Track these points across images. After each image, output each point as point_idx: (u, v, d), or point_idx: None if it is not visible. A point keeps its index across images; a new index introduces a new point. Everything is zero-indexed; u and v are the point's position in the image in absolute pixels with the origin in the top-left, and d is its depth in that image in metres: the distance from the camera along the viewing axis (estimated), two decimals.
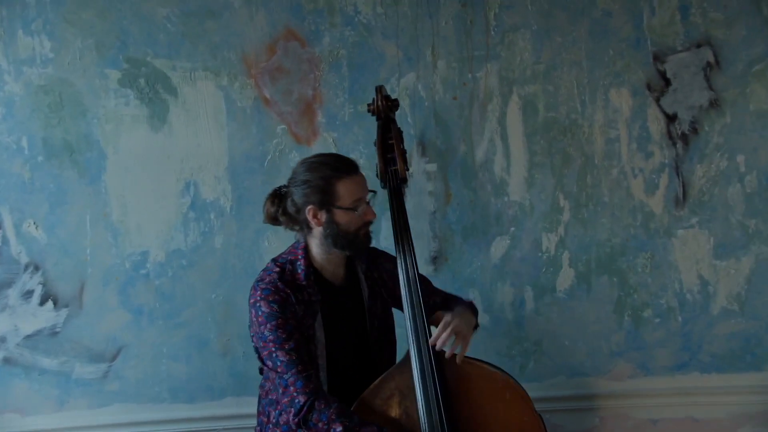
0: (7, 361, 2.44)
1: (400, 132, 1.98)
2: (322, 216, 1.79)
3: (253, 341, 1.85)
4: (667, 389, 2.48)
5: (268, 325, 1.75)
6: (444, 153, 2.44)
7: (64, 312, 2.45)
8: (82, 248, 2.45)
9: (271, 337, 1.75)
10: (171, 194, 2.44)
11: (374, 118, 1.98)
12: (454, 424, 1.76)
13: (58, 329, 2.45)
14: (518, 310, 2.47)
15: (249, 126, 2.43)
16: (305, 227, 1.84)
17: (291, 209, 1.82)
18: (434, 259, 2.47)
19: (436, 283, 2.05)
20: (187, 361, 2.47)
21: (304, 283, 1.81)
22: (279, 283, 1.78)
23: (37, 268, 2.44)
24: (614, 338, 2.49)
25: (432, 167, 2.45)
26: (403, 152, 1.94)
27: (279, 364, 1.75)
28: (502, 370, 1.88)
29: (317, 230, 1.82)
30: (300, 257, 1.84)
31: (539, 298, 2.47)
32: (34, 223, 2.43)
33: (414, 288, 1.82)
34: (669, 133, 2.43)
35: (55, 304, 2.45)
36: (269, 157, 2.44)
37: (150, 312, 2.46)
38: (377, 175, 1.92)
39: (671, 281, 2.46)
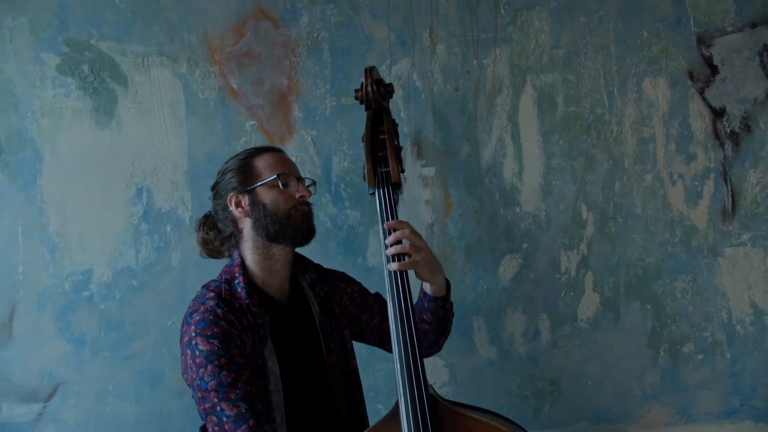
0: None
1: (394, 125, 1.71)
2: (245, 201, 1.61)
3: (191, 390, 1.55)
4: None
5: (209, 368, 1.46)
6: (444, 154, 2.16)
7: None
8: (13, 266, 2.15)
9: (212, 384, 1.46)
10: (119, 202, 2.16)
11: (363, 108, 1.71)
12: None
13: None
14: (532, 342, 2.19)
15: (212, 121, 2.15)
16: (235, 232, 1.64)
17: (218, 214, 1.66)
18: None
19: None
20: (137, 400, 2.19)
21: (246, 302, 1.57)
22: (218, 310, 1.52)
23: None
24: (648, 378, 2.18)
25: (429, 171, 2.17)
26: (398, 150, 1.67)
27: (225, 420, 1.45)
28: (512, 422, 1.57)
29: (247, 227, 1.62)
30: (237, 274, 1.61)
31: (557, 328, 2.19)
32: None
33: (407, 321, 1.50)
34: (715, 131, 2.12)
35: None
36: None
37: (93, 342, 2.17)
38: (363, 178, 1.64)
39: (717, 310, 2.15)
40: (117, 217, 2.16)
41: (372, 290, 1.84)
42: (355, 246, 2.16)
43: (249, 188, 1.60)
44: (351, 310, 1.76)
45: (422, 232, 2.15)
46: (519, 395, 2.18)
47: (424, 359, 1.52)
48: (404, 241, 1.57)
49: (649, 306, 2.16)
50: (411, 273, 1.58)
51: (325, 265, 1.84)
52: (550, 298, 2.17)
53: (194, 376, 1.49)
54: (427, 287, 1.66)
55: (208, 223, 1.69)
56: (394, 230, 1.56)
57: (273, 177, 1.59)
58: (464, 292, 2.17)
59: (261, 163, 1.62)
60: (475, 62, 2.14)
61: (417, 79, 2.15)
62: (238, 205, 1.61)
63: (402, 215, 2.16)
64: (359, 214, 2.15)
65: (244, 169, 1.61)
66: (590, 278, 2.16)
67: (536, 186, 2.16)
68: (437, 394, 1.53)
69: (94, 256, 2.16)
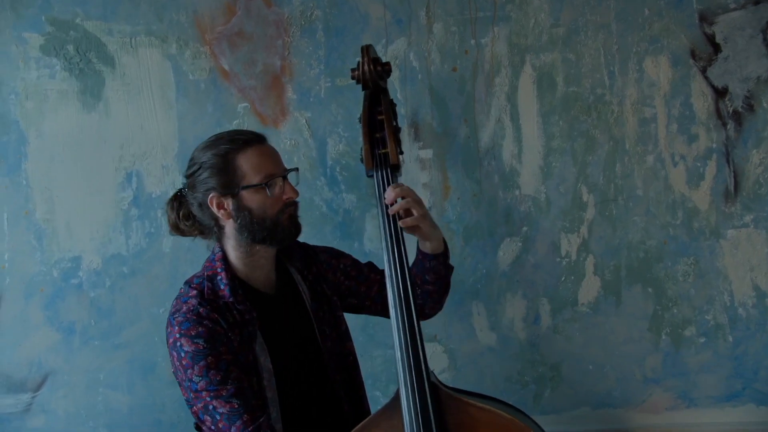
0: None
1: (392, 105, 1.65)
2: (228, 204, 1.50)
3: (181, 391, 1.51)
4: (715, 424, 2.13)
5: (196, 368, 1.42)
6: (441, 136, 2.11)
7: None
8: None
9: (202, 384, 1.41)
10: (108, 187, 2.11)
11: (359, 89, 1.64)
12: None
13: None
14: (532, 327, 2.15)
15: (203, 103, 2.09)
16: (215, 228, 1.55)
17: (194, 207, 1.55)
18: None
19: None
20: (129, 389, 2.15)
21: (231, 300, 1.49)
22: (201, 309, 1.46)
23: None
24: (649, 362, 2.14)
25: (427, 154, 2.12)
26: (396, 131, 1.60)
27: (219, 417, 1.41)
28: (519, 411, 1.54)
29: (229, 227, 1.53)
30: (219, 270, 1.53)
31: (557, 312, 2.14)
32: None
33: (406, 307, 1.46)
34: (718, 111, 2.06)
35: None
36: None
37: (83, 330, 2.13)
38: (361, 160, 1.59)
39: (719, 293, 2.10)
40: (106, 202, 2.10)
41: None
42: (352, 230, 2.11)
43: (232, 191, 1.49)
44: (347, 284, 1.70)
45: None
46: (519, 381, 2.15)
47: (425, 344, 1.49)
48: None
49: (650, 289, 2.12)
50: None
51: None
52: (551, 282, 2.13)
53: (183, 377, 1.45)
54: (426, 246, 1.59)
55: (182, 209, 1.57)
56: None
57: (260, 184, 1.48)
58: (463, 277, 2.11)
59: (245, 163, 1.48)
60: (472, 42, 2.08)
61: (413, 59, 2.08)
62: (220, 206, 1.50)
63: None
64: (355, 198, 2.10)
65: (225, 170, 1.48)
66: (591, 261, 2.12)
67: (536, 168, 2.11)
68: (439, 381, 1.50)
69: (83, 242, 2.11)
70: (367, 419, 1.46)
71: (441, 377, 2.09)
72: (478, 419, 1.43)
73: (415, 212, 1.51)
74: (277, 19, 2.06)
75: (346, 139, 2.08)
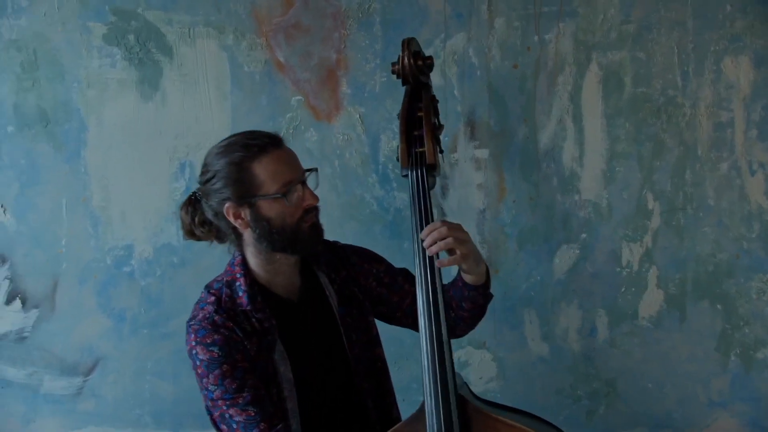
0: None
1: (434, 101, 1.59)
2: (246, 214, 1.43)
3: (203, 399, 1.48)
4: None
5: (211, 377, 1.39)
6: (499, 136, 2.04)
7: (33, 313, 2.16)
8: (57, 238, 2.14)
9: (218, 393, 1.39)
10: (162, 177, 2.11)
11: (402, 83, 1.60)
12: None
13: (26, 334, 2.17)
14: (587, 339, 2.07)
15: (258, 96, 2.07)
16: (233, 235, 1.49)
17: (209, 214, 1.49)
18: None
19: None
20: (175, 379, 2.15)
21: (249, 308, 1.44)
22: (216, 317, 1.42)
23: (3, 260, 2.14)
24: (716, 384, 2.03)
25: (483, 153, 2.05)
26: (435, 129, 1.54)
27: (235, 426, 1.38)
28: (555, 427, 1.45)
29: (248, 235, 1.47)
30: (238, 275, 1.48)
31: (615, 325, 2.06)
32: (2, 206, 2.13)
33: (435, 318, 1.38)
34: None
35: (23, 303, 2.16)
36: (281, 135, 2.04)
37: (133, 318, 2.15)
38: (397, 159, 1.54)
39: None
40: (159, 192, 2.11)
41: None
42: (402, 230, 2.05)
43: (249, 201, 1.42)
44: (379, 291, 1.61)
45: (473, 217, 2.06)
46: (571, 395, 2.07)
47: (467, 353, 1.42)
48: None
49: (719, 306, 1.99)
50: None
51: (371, 249, 1.71)
52: (609, 293, 2.04)
53: (201, 386, 1.42)
54: (467, 277, 1.51)
55: (197, 215, 1.50)
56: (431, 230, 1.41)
57: (278, 195, 1.40)
58: (516, 283, 2.05)
59: (261, 171, 1.40)
60: (536, 38, 1.99)
61: (473, 55, 2.01)
62: (237, 216, 1.43)
63: (452, 199, 2.06)
64: (407, 197, 1.99)
65: (241, 179, 1.40)
66: (654, 273, 2.02)
67: (598, 172, 2.01)
68: (470, 393, 1.44)
69: (136, 231, 2.13)
70: (390, 429, 1.41)
71: (487, 387, 2.07)
72: None
73: (458, 252, 1.40)
74: (335, 11, 2.03)
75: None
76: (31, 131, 2.10)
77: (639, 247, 2.02)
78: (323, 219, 1.53)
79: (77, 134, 2.10)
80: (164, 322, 2.14)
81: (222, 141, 1.49)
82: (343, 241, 1.69)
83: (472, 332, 1.69)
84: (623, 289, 2.04)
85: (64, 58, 2.07)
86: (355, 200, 2.06)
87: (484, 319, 1.66)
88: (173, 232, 2.11)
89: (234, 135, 1.49)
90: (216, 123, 2.07)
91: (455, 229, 1.39)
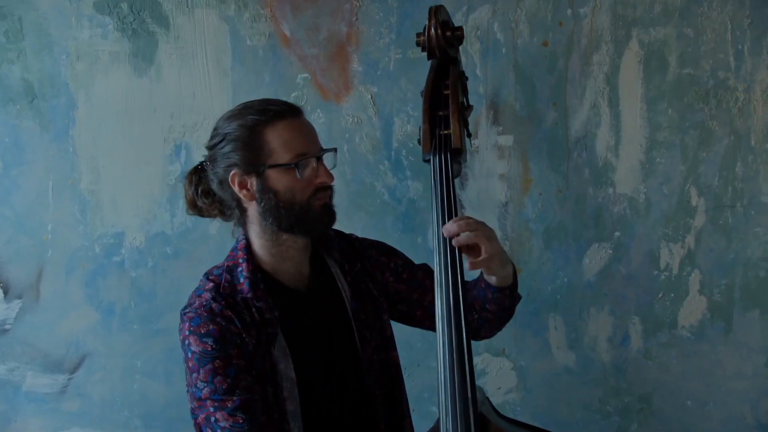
0: None
1: (463, 78, 1.50)
2: (252, 183, 1.34)
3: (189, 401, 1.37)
4: None
5: (201, 372, 1.28)
6: (525, 121, 1.95)
7: (16, 304, 2.06)
8: (42, 224, 2.03)
9: (206, 391, 1.27)
10: (156, 159, 2.01)
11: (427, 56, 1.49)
12: None
13: (8, 326, 2.06)
14: (619, 349, 1.99)
15: (261, 72, 1.97)
16: (237, 210, 1.39)
17: (214, 184, 1.39)
18: None
19: None
20: (167, 379, 2.06)
21: (249, 295, 1.34)
22: (214, 305, 1.31)
23: None
24: (765, 404, 1.93)
25: (506, 140, 1.96)
26: (463, 109, 1.44)
27: None
28: None
29: (252, 209, 1.37)
30: (241, 260, 1.37)
31: (651, 335, 1.98)
32: None
33: (456, 324, 1.27)
34: None
35: (5, 293, 2.05)
36: None
37: (123, 312, 2.05)
38: (419, 141, 1.44)
39: None
40: (152, 175, 2.01)
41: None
42: (416, 223, 1.95)
43: (257, 169, 1.33)
44: (397, 287, 1.51)
45: (494, 211, 1.97)
46: (600, 410, 1.97)
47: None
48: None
49: None
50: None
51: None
52: (645, 298, 1.96)
53: (189, 383, 1.31)
54: (492, 279, 1.40)
55: (201, 184, 1.42)
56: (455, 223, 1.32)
57: (289, 164, 1.32)
58: (540, 285, 1.95)
59: (274, 138, 1.32)
60: (569, 11, 1.89)
61: (498, 31, 1.90)
62: (242, 186, 1.35)
63: (472, 190, 1.95)
64: (422, 187, 1.93)
65: (251, 144, 1.32)
66: (696, 278, 1.94)
67: (635, 163, 1.93)
68: (492, 410, 1.32)
69: (127, 217, 2.02)
70: None
71: (507, 398, 1.97)
72: None
73: (483, 250, 1.30)
74: None
75: (415, 119, 1.92)
76: (15, 107, 1.99)
77: (680, 248, 1.95)
78: None
79: (65, 111, 2.00)
80: (156, 317, 2.04)
81: (237, 106, 1.40)
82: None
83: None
84: (661, 295, 1.96)
85: (51, 28, 1.97)
86: (364, 189, 1.97)
87: None
88: (167, 220, 2.02)
89: (251, 100, 1.41)
90: (215, 101, 1.97)
91: (481, 224, 1.31)
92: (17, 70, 1.97)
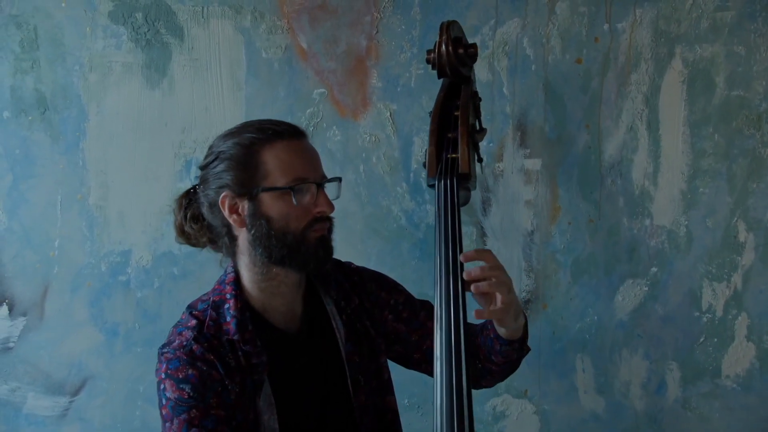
0: None
1: (475, 99, 1.44)
2: (244, 207, 1.25)
3: None
4: None
5: (175, 422, 1.19)
6: (554, 144, 1.89)
7: (20, 321, 2.01)
8: (50, 239, 1.99)
9: None
10: (165, 175, 1.95)
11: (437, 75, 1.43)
12: None
13: (11, 343, 2.01)
14: (654, 397, 1.89)
15: (276, 86, 1.90)
16: (227, 238, 1.30)
17: (204, 207, 1.31)
18: (526, 303, 1.92)
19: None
20: None
21: (236, 338, 1.25)
22: (195, 346, 1.22)
23: None
24: None
25: (534, 164, 1.89)
26: (474, 132, 1.38)
27: None
28: None
29: (243, 238, 1.28)
30: (228, 296, 1.28)
31: (691, 383, 1.89)
32: None
33: (456, 366, 1.16)
34: None
35: (10, 309, 2.01)
36: None
37: (127, 334, 1.99)
38: (424, 165, 1.37)
39: None
40: (161, 191, 1.94)
41: None
42: (434, 250, 1.82)
43: (250, 192, 1.24)
44: (395, 327, 1.41)
45: (519, 240, 1.89)
46: None
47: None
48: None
49: None
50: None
51: (397, 271, 1.50)
52: (684, 342, 1.88)
53: (162, 428, 1.21)
54: (501, 330, 1.29)
55: (190, 208, 1.33)
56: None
57: (285, 188, 1.23)
58: (567, 322, 1.84)
59: (271, 158, 1.23)
60: (606, 26, 1.81)
61: (527, 46, 1.83)
62: (233, 210, 1.25)
63: (494, 217, 1.85)
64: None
65: (246, 164, 1.24)
66: (744, 322, 1.85)
67: (676, 193, 1.85)
68: None
69: (134, 235, 1.97)
70: None
71: None
72: None
73: (499, 300, 1.19)
74: None
75: None
76: (27, 118, 1.96)
77: (725, 288, 1.86)
78: (342, 231, 1.37)
79: (76, 123, 1.96)
80: (160, 340, 1.87)
81: (236, 126, 1.33)
82: (364, 261, 1.49)
83: (511, 377, 1.49)
84: (703, 339, 1.87)
85: (66, 38, 1.93)
86: (380, 212, 1.90)
87: (526, 363, 1.44)
88: (173, 239, 1.92)
89: (252, 120, 1.34)
90: (227, 115, 1.91)
91: (500, 270, 1.20)
92: (30, 80, 1.94)
